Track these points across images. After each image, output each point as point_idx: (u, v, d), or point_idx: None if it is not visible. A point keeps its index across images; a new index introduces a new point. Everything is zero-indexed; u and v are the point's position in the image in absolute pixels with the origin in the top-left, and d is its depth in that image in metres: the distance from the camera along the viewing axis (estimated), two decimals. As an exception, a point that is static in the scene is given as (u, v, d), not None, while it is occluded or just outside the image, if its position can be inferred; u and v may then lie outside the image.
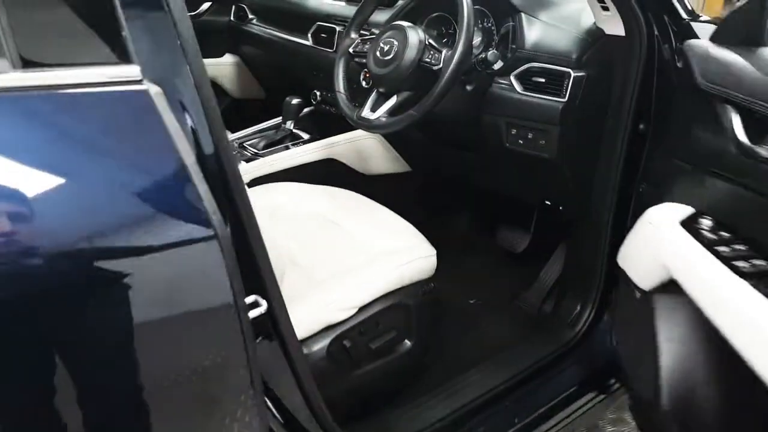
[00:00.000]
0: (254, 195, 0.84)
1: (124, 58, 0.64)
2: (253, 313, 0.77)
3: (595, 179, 1.41)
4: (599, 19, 1.32)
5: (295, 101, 1.89)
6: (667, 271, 1.05)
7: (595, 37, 1.35)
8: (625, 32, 1.26)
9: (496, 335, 1.62)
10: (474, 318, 1.71)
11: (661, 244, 1.09)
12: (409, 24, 1.42)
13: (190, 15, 0.70)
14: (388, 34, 1.43)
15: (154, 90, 0.64)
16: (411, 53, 1.36)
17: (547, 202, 1.69)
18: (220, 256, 0.66)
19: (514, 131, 1.45)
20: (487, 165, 1.66)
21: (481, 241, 2.02)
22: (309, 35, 2.02)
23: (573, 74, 1.33)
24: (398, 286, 1.24)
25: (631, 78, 1.27)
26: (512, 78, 1.43)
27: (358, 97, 1.53)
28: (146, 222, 0.63)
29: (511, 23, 1.46)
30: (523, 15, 1.43)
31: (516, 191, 1.78)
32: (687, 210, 1.10)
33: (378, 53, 1.42)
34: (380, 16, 1.70)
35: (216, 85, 2.58)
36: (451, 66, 1.30)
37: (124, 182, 0.63)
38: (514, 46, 1.43)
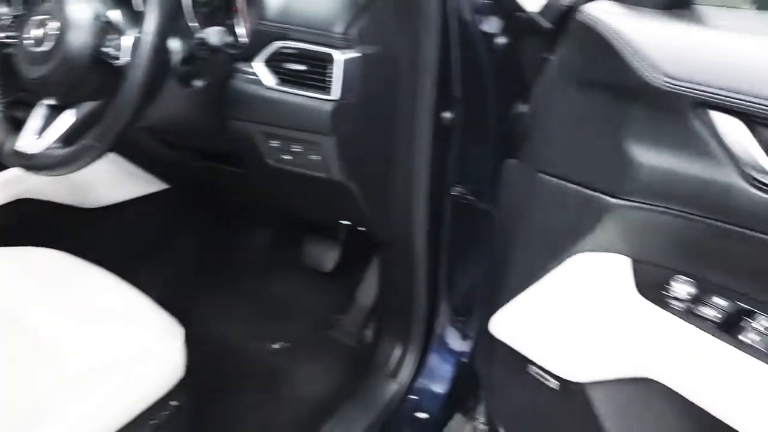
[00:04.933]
0: None
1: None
2: None
3: (395, 194, 1.01)
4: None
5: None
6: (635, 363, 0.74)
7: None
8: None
9: (312, 393, 1.24)
10: (281, 372, 1.29)
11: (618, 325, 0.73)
12: None
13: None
14: (42, 7, 0.86)
15: None
16: (79, 38, 0.81)
17: (345, 222, 1.26)
18: None
19: (274, 143, 0.97)
20: (255, 182, 1.17)
21: (284, 261, 1.57)
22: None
23: (339, 57, 0.87)
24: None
25: (428, 51, 0.89)
26: (257, 65, 0.94)
27: (17, 110, 0.95)
28: None
29: None
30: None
31: (301, 212, 1.33)
32: (620, 262, 0.71)
33: (29, 42, 0.86)
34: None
35: None
36: (138, 60, 0.78)
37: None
38: (251, 16, 0.93)
